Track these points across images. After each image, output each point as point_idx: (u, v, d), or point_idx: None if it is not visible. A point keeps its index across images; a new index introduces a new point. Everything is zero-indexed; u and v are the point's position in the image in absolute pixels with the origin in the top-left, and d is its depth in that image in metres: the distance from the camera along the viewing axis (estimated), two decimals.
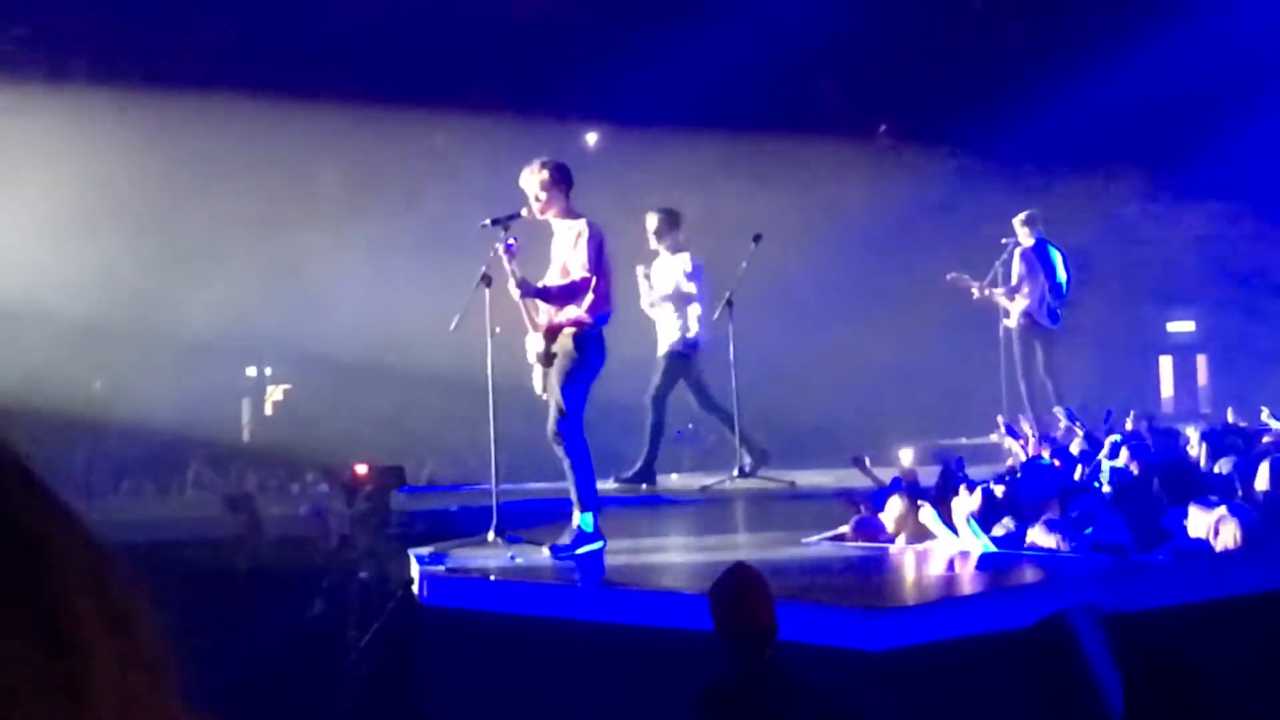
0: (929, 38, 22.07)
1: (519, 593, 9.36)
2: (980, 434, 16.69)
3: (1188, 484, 10.54)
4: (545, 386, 10.50)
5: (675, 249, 14.36)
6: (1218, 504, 9.43)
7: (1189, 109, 20.44)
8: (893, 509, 10.13)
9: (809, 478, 14.45)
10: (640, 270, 14.30)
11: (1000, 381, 16.80)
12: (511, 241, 10.22)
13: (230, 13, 19.64)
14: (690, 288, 14.20)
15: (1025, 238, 16.62)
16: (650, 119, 19.61)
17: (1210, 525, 9.23)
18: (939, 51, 22.16)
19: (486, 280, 10.71)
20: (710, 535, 11.08)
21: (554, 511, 12.03)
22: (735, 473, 14.35)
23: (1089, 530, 9.29)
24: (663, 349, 14.34)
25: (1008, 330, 16.83)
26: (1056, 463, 12.21)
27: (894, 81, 22.10)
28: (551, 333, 10.34)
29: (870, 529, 10.31)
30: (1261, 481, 10.84)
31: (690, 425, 17.86)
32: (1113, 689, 7.07)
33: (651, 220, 14.48)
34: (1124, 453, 11.72)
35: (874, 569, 9.61)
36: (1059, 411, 14.67)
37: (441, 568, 10.05)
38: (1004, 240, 16.77)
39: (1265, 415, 14.65)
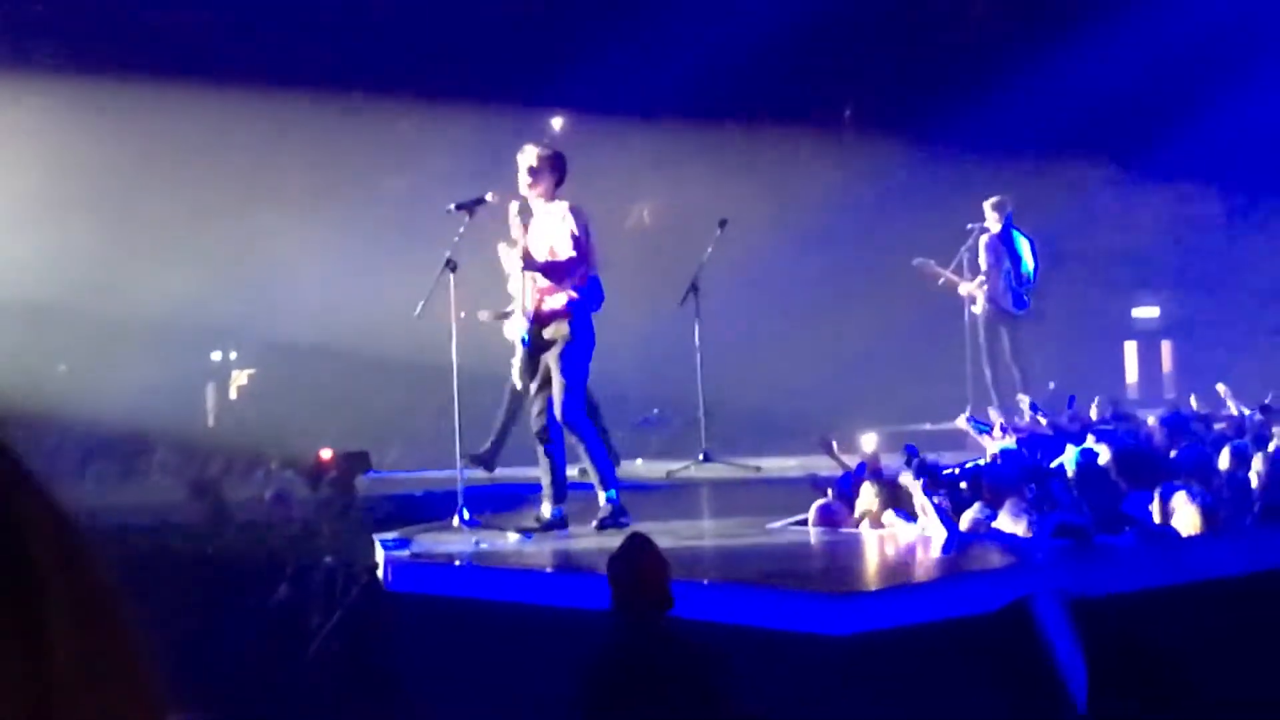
0: (895, 24, 22.07)
1: (484, 578, 9.37)
2: (945, 419, 16.73)
3: (1150, 469, 10.58)
4: (527, 373, 10.48)
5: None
6: (1179, 489, 9.48)
7: (1156, 93, 20.47)
8: (865, 496, 10.15)
9: (774, 463, 14.48)
10: (501, 248, 14.07)
11: (966, 367, 16.84)
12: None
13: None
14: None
15: (994, 223, 16.65)
16: (615, 107, 19.57)
17: (1172, 510, 9.28)
18: (905, 37, 22.16)
19: (451, 265, 10.71)
20: (676, 521, 11.08)
21: (519, 497, 12.04)
22: (700, 457, 14.36)
23: (1053, 515, 9.32)
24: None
25: (973, 316, 16.88)
26: (1023, 450, 12.24)
27: (860, 67, 22.10)
28: (545, 318, 10.31)
29: (835, 514, 10.34)
30: (1222, 466, 10.91)
31: (656, 410, 17.86)
32: (1077, 673, 7.11)
33: (513, 207, 14.16)
34: (1089, 438, 11.77)
35: (839, 554, 9.64)
36: (1023, 401, 14.71)
37: (406, 553, 10.04)
38: (969, 226, 16.81)
39: (1223, 392, 14.71)
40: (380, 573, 10.07)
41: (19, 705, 1.06)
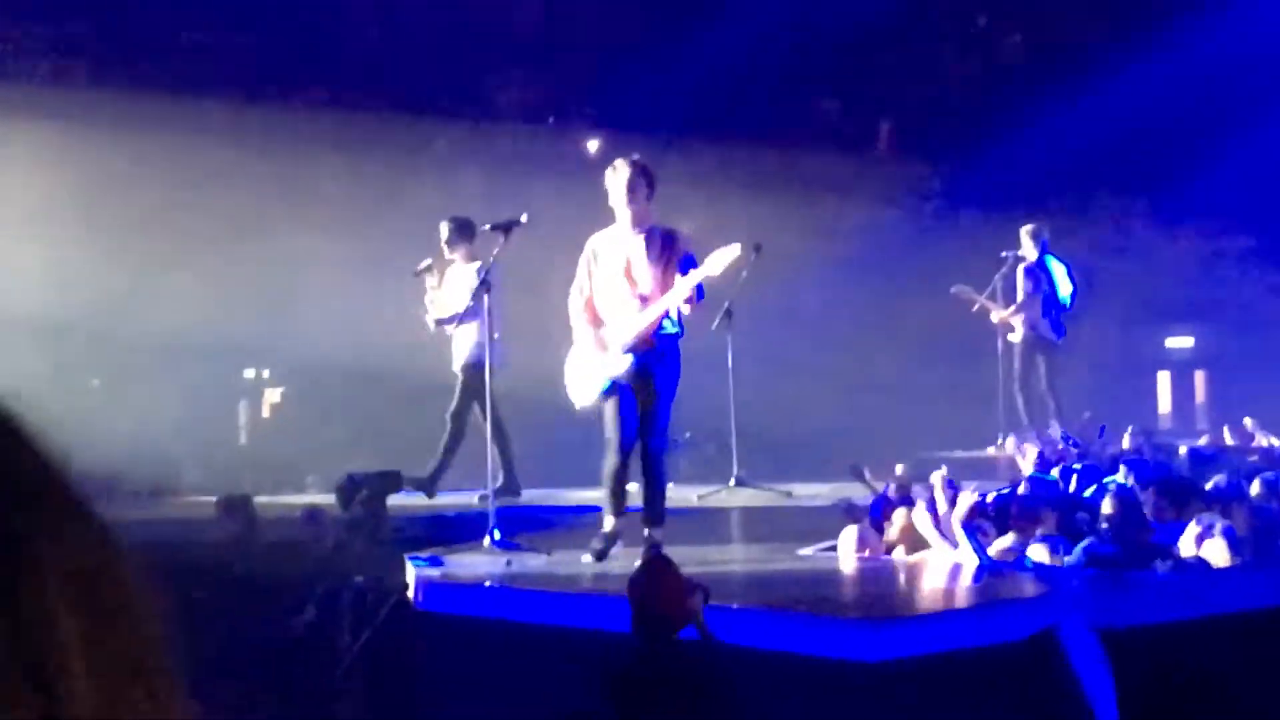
0: (932, 53, 22.09)
1: (515, 599, 9.37)
2: (976, 447, 16.69)
3: (1181, 500, 10.54)
4: (600, 398, 10.02)
5: (469, 258, 13.40)
6: (1211, 520, 9.45)
7: (1191, 126, 20.46)
8: (897, 521, 10.14)
9: (806, 489, 14.44)
10: (429, 282, 13.82)
11: (998, 395, 16.80)
12: None
13: (223, 15, 19.66)
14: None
15: (1030, 250, 16.64)
16: (653, 127, 19.60)
17: (1203, 541, 9.25)
18: (942, 67, 22.19)
19: (486, 286, 10.70)
20: (706, 546, 11.06)
21: (550, 519, 12.05)
22: (733, 482, 14.32)
23: (1085, 545, 9.30)
24: (459, 363, 13.69)
25: (1009, 344, 16.85)
26: (1057, 480, 12.22)
27: (896, 96, 22.12)
28: (659, 347, 10.02)
29: (867, 541, 10.32)
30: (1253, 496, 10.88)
31: (688, 434, 17.83)
32: (1106, 705, 7.08)
33: (444, 229, 13.74)
34: (1121, 469, 11.74)
35: (870, 581, 9.63)
36: (1055, 430, 14.69)
37: (437, 572, 10.05)
38: (1004, 254, 16.79)
39: (1250, 425, 14.67)
40: (410, 592, 10.08)
41: (12, 689, 1.00)
